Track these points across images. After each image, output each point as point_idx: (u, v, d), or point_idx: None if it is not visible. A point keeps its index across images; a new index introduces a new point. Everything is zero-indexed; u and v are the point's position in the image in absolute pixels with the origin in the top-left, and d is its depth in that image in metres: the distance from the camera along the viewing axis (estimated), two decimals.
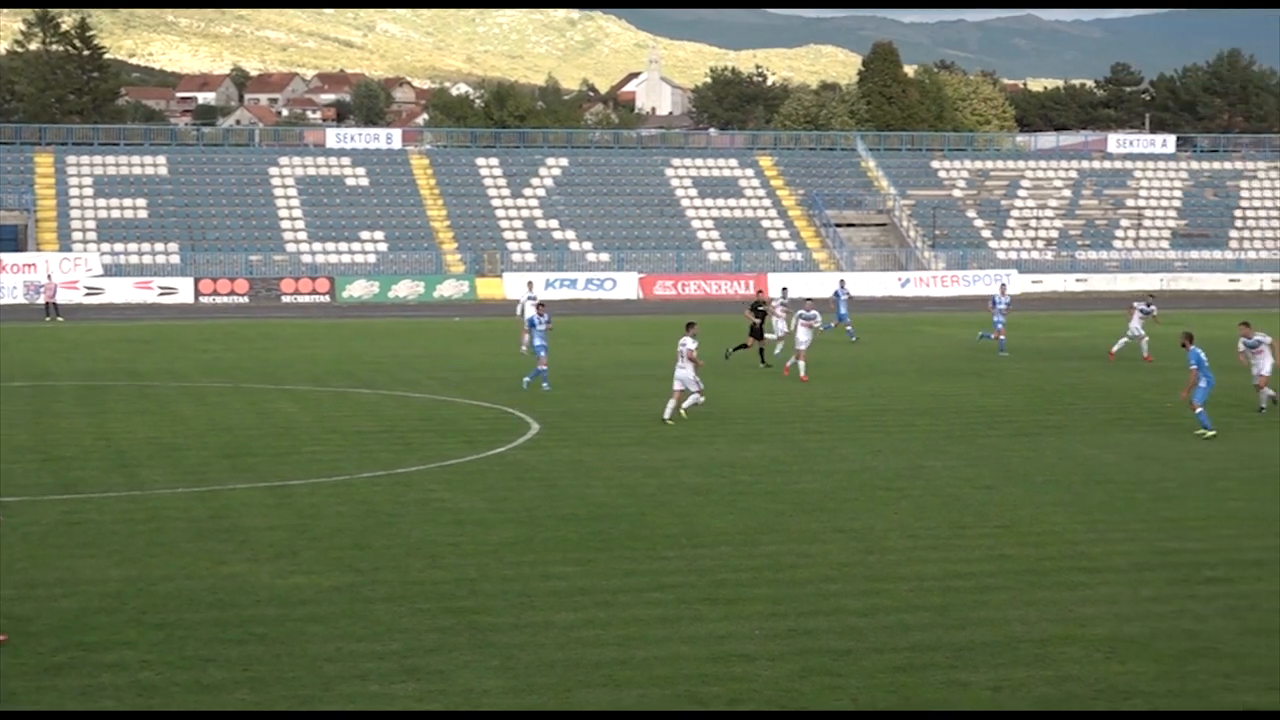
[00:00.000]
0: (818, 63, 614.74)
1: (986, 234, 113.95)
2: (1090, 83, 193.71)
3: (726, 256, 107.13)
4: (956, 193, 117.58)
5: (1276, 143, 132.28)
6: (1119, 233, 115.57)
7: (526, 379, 48.65)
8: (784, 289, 66.17)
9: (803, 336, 52.59)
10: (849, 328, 66.73)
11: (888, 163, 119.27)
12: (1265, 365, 42.49)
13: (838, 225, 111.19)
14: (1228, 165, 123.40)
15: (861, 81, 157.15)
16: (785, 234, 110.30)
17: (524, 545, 26.80)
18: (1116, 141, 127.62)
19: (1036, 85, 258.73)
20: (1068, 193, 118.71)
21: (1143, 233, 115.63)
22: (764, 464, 35.37)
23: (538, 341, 49.40)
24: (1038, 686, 19.59)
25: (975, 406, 45.78)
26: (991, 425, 41.87)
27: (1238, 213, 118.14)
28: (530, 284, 65.28)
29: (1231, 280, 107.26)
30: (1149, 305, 58.63)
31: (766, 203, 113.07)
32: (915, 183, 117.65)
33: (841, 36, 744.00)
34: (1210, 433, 39.01)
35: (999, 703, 18.94)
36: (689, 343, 41.56)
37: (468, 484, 32.62)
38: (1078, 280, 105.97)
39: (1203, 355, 39.47)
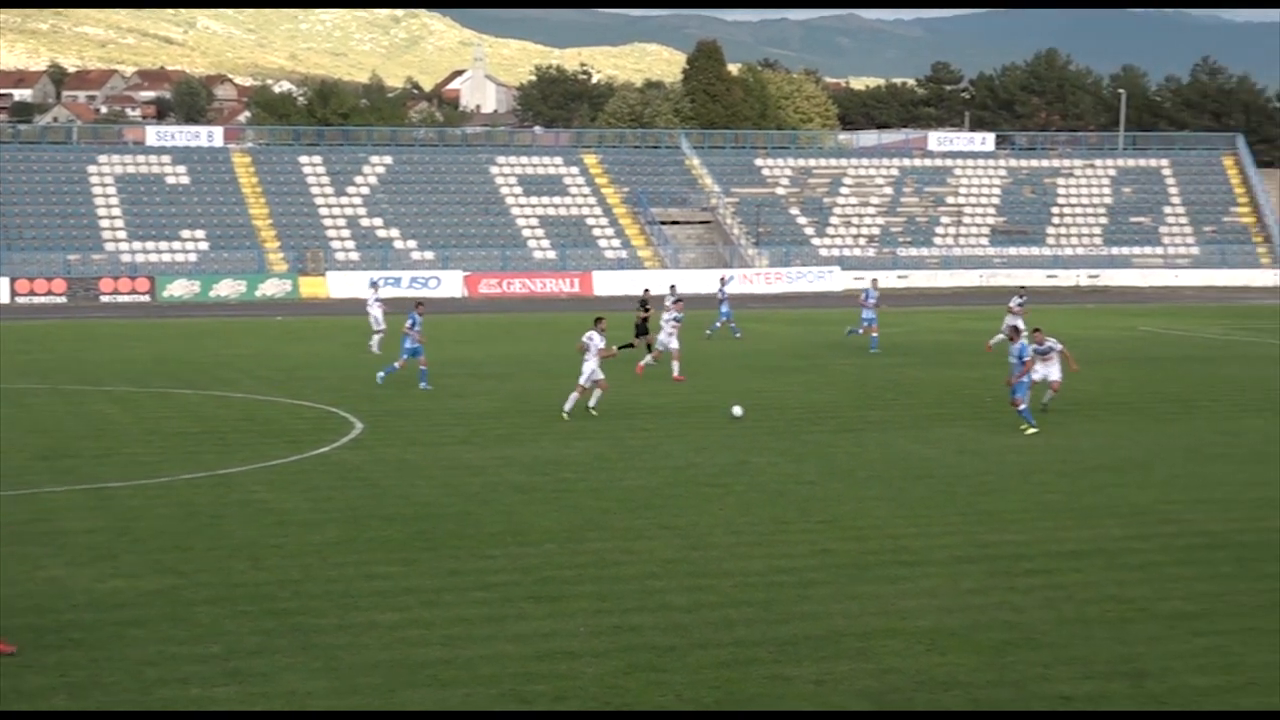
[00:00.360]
0: (642, 61, 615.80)
1: (810, 231, 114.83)
2: (911, 81, 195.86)
3: (552, 255, 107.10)
4: (780, 190, 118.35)
5: (1092, 141, 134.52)
6: (939, 230, 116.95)
7: (383, 372, 48.88)
8: (672, 286, 66.19)
9: (666, 337, 52.65)
10: (732, 324, 67.02)
11: (712, 160, 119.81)
12: (1055, 372, 42.39)
13: (662, 223, 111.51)
14: (1045, 163, 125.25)
15: (686, 80, 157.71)
16: (610, 232, 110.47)
17: (348, 546, 26.63)
18: (937, 139, 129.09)
19: (859, 84, 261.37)
20: (889, 190, 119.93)
21: (963, 229, 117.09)
22: (589, 461, 35.40)
23: (410, 344, 49.00)
24: (860, 679, 19.78)
25: (799, 402, 46.12)
26: (815, 421, 42.20)
27: (1055, 210, 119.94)
28: (376, 284, 64.62)
29: (1049, 276, 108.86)
30: (1022, 299, 58.91)
31: (592, 201, 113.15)
32: (739, 180, 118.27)
33: (666, 35, 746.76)
34: (1033, 429, 39.51)
35: (822, 696, 19.09)
36: (596, 338, 42.04)
37: (291, 484, 32.35)
38: (899, 277, 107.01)
39: (1026, 351, 40.11)
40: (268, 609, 22.58)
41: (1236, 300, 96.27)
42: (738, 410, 41.20)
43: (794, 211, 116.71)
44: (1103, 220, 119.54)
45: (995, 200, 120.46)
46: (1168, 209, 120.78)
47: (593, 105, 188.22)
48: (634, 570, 25.19)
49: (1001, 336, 57.64)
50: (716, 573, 25.12)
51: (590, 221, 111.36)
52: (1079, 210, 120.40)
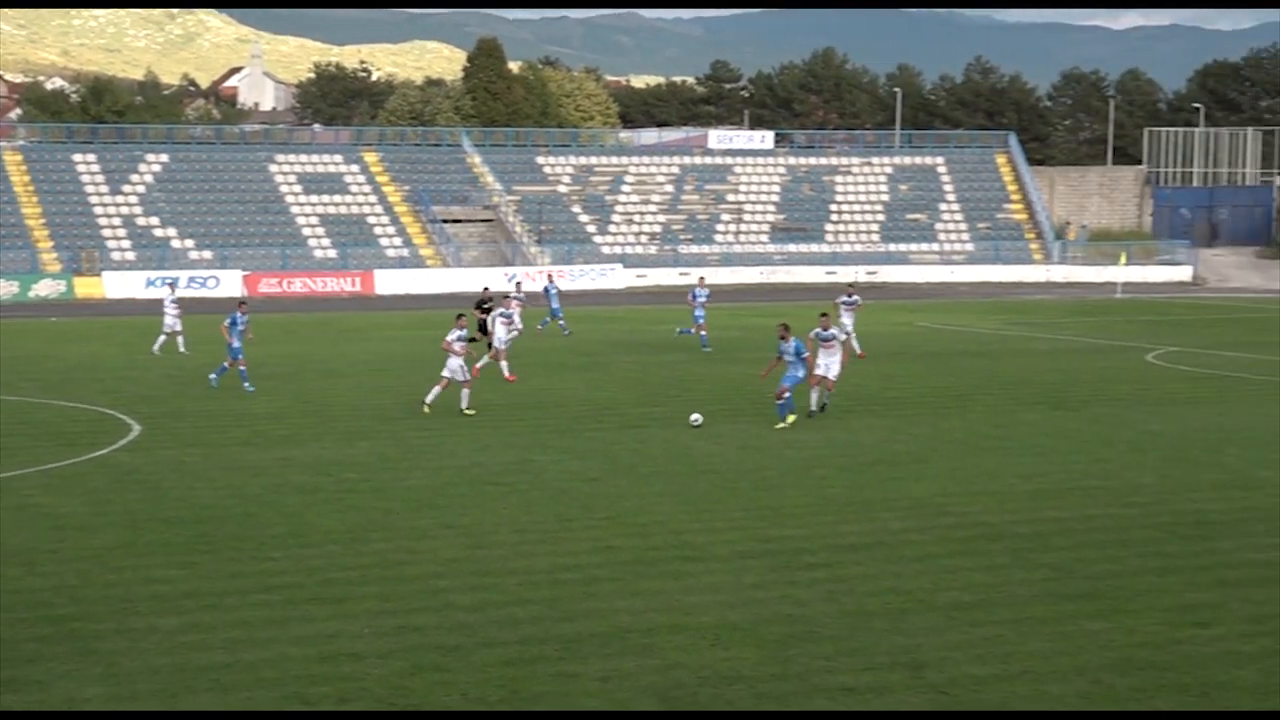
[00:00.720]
0: (423, 59, 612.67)
1: (592, 229, 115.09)
2: (691, 80, 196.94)
3: (332, 254, 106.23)
4: (562, 188, 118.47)
5: (869, 139, 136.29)
6: (720, 227, 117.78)
7: (214, 374, 48.04)
8: (518, 284, 65.88)
9: (501, 334, 52.30)
10: (561, 322, 66.87)
11: (493, 159, 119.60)
12: (835, 367, 41.62)
13: (444, 221, 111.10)
14: (823, 161, 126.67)
15: (466, 78, 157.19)
16: (392, 230, 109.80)
17: (126, 550, 26.20)
18: (717, 138, 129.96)
19: (639, 82, 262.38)
20: (670, 188, 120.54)
21: (743, 227, 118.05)
22: (372, 461, 35.18)
23: (237, 343, 48.20)
24: (645, 676, 19.85)
25: (581, 400, 46.20)
26: (597, 418, 42.30)
27: (833, 207, 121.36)
28: (172, 284, 63.46)
29: (828, 273, 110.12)
30: (851, 296, 58.65)
31: (373, 199, 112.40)
32: (521, 178, 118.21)
33: (446, 32, 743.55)
34: (784, 424, 39.63)
35: (608, 693, 19.14)
36: (455, 333, 42.60)
37: (67, 488, 31.74)
38: (681, 274, 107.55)
39: (803, 348, 40.35)
40: (43, 615, 22.14)
41: (1010, 295, 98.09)
42: (696, 418, 40.49)
43: (576, 209, 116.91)
44: (880, 217, 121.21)
45: (775, 198, 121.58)
46: (943, 206, 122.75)
47: (373, 103, 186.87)
48: (418, 570, 25.07)
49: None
50: (501, 571, 25.08)
51: (371, 220, 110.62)
52: (857, 207, 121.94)
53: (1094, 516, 29.58)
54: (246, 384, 47.53)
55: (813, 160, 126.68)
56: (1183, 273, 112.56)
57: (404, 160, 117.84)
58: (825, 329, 41.50)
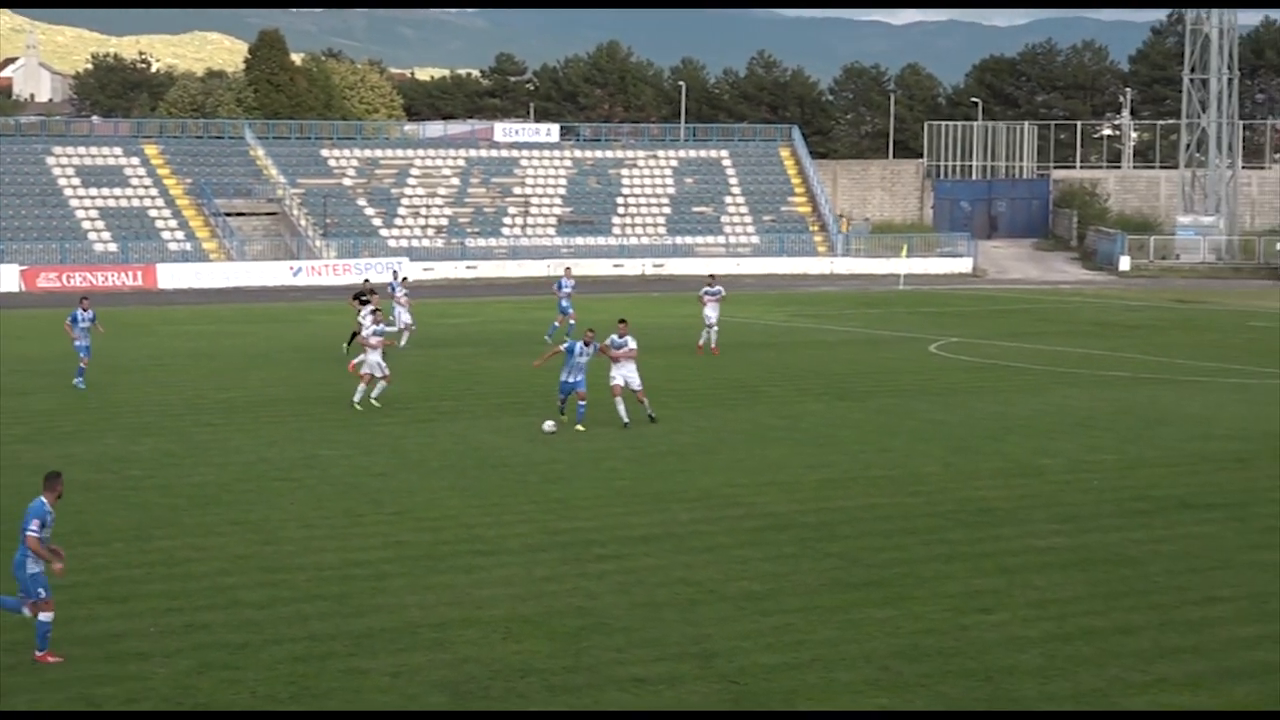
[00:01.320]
0: (203, 50, 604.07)
1: (378, 222, 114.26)
2: (476, 72, 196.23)
3: (113, 247, 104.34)
4: (347, 181, 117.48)
5: (655, 132, 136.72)
6: (507, 220, 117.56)
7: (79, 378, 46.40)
8: (404, 278, 64.61)
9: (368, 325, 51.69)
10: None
11: (277, 151, 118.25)
12: (635, 376, 39.40)
13: (227, 214, 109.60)
14: (609, 154, 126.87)
15: (248, 69, 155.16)
16: (174, 224, 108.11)
17: None
18: (503, 130, 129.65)
19: (423, 74, 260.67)
20: (456, 181, 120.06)
21: (530, 220, 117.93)
22: (156, 458, 34.70)
23: (82, 341, 46.76)
24: (437, 670, 19.81)
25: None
26: (385, 413, 42.05)
27: (619, 200, 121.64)
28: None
29: (615, 265, 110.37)
30: (714, 287, 57.26)
31: (154, 192, 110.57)
32: (305, 171, 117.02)
33: (227, 23, 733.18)
34: (549, 429, 38.52)
35: (399, 688, 19.05)
36: (371, 328, 42.87)
37: None
38: (468, 267, 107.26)
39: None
40: None
41: (795, 288, 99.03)
42: (549, 425, 39.10)
43: (361, 202, 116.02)
44: (666, 210, 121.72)
45: (561, 191, 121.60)
46: (728, 199, 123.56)
47: (153, 95, 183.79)
48: (205, 567, 24.79)
49: (708, 332, 56.90)
50: (289, 567, 24.88)
51: (153, 213, 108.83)
52: (643, 200, 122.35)
53: (879, 505, 30.01)
54: (78, 380, 46.12)
55: (599, 153, 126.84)
56: (963, 264, 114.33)
57: (185, 153, 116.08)
58: (621, 335, 39.57)
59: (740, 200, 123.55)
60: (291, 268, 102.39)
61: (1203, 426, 40.05)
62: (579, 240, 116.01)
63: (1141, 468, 34.27)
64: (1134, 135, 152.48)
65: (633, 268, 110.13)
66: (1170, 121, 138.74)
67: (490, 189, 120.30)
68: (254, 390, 46.81)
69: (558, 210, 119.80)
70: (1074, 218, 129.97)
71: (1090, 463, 34.80)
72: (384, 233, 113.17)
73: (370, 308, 51.59)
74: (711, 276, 60.46)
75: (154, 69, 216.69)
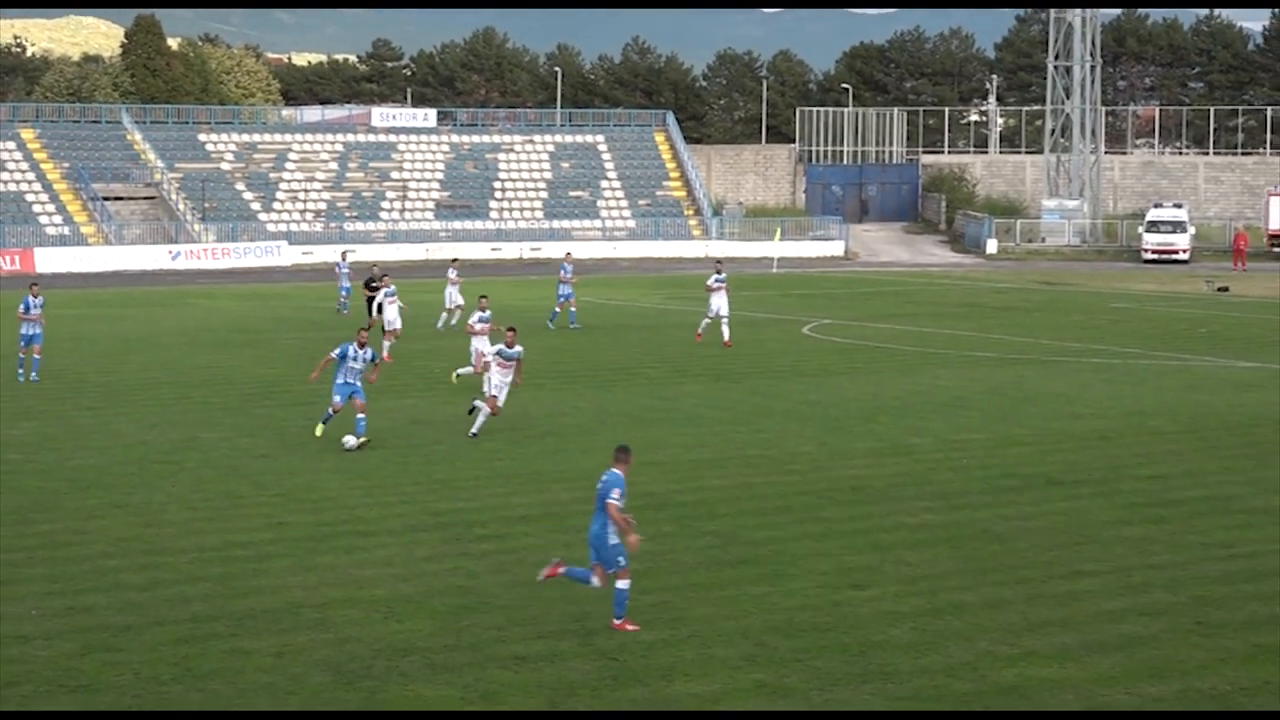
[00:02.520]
0: (79, 34, 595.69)
1: (256, 206, 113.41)
2: (353, 58, 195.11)
3: None
4: (225, 166, 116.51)
5: (531, 117, 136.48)
6: (385, 204, 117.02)
7: (33, 373, 44.17)
8: (455, 259, 64.22)
9: (390, 316, 51.28)
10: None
11: (154, 135, 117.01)
12: (505, 391, 35.77)
13: (105, 199, 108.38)
14: (486, 139, 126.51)
15: (125, 54, 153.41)
16: (51, 208, 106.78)
17: None
18: (380, 115, 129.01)
19: (300, 59, 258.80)
20: (334, 165, 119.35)
21: (408, 204, 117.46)
22: (36, 442, 34.30)
23: (33, 330, 44.09)
24: (320, 650, 19.74)
25: (250, 377, 45.58)
26: (267, 395, 41.81)
27: (497, 184, 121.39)
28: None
29: (494, 249, 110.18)
30: (720, 275, 54.74)
31: (30, 176, 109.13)
32: (183, 156, 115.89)
33: (103, 8, 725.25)
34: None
35: (283, 668, 18.96)
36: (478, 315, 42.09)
37: None
38: (347, 251, 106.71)
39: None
40: None
41: (671, 270, 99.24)
42: (349, 441, 37.48)
43: (240, 187, 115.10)
44: (543, 194, 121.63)
45: (439, 175, 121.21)
46: (604, 183, 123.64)
47: (28, 79, 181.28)
48: (86, 550, 24.55)
49: (708, 321, 54.64)
50: (171, 549, 24.70)
51: (30, 198, 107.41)
52: (520, 185, 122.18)
53: (755, 484, 30.16)
54: (22, 373, 44.10)
55: (476, 138, 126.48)
56: (835, 248, 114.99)
57: (62, 137, 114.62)
58: (510, 345, 35.55)
59: (616, 185, 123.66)
60: (170, 252, 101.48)
61: (1068, 405, 40.52)
62: (457, 224, 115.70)
63: (1009, 446, 34.64)
64: (1000, 121, 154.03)
65: (510, 251, 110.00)
66: (1035, 108, 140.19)
67: (368, 174, 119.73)
68: (134, 374, 46.37)
69: (435, 195, 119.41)
70: (943, 202, 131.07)
71: (960, 441, 35.15)
72: (262, 217, 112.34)
73: (387, 291, 51.45)
74: (719, 264, 58.24)
75: (29, 53, 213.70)
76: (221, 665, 19.12)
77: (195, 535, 25.63)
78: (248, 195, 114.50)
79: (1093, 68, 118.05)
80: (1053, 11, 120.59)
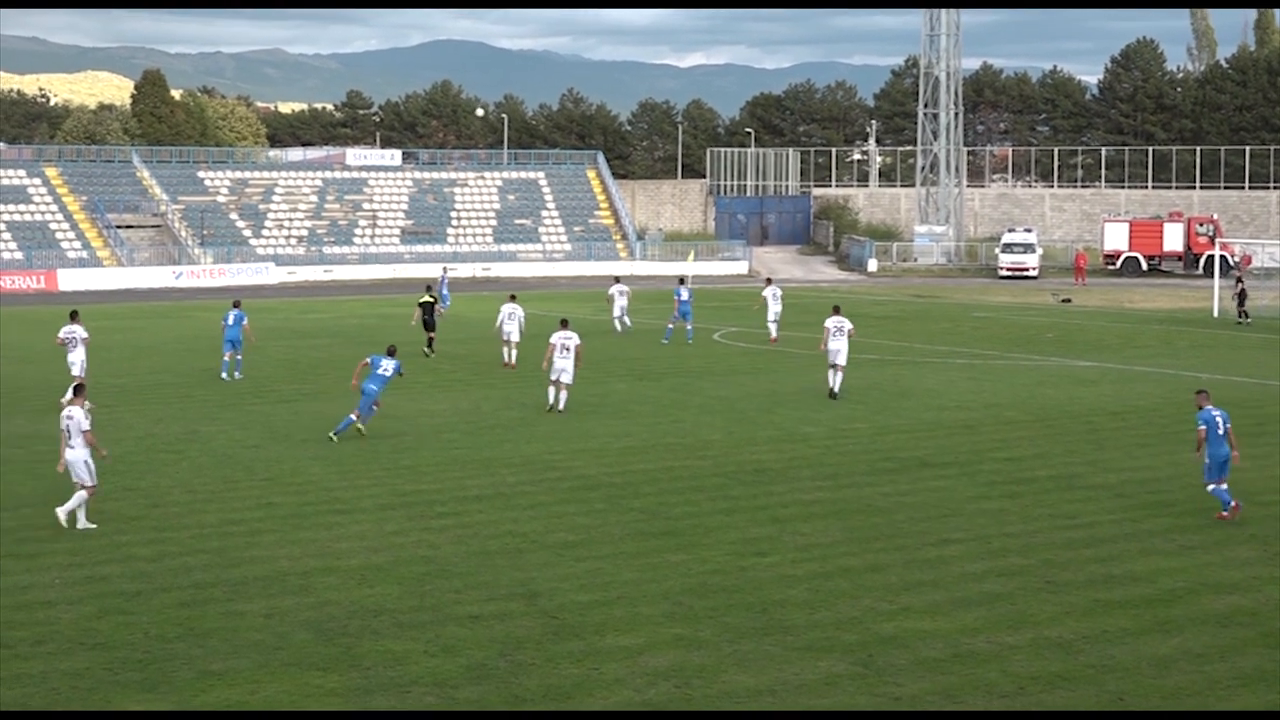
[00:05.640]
0: (95, 87, 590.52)
1: (248, 233, 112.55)
2: (330, 106, 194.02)
3: (19, 255, 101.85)
4: (221, 199, 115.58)
5: (482, 157, 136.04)
6: (358, 231, 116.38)
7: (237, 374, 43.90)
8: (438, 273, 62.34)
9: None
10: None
11: (160, 173, 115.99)
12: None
13: (118, 227, 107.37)
14: (444, 175, 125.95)
15: (134, 103, 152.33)
16: (72, 235, 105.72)
17: None
18: (353, 155, 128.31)
19: (285, 108, 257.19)
20: (315, 198, 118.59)
21: (378, 231, 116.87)
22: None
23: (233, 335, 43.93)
24: (303, 612, 19.63)
25: (243, 379, 45.17)
26: (258, 395, 41.52)
27: (454, 214, 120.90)
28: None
29: (450, 269, 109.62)
30: (770, 284, 55.75)
31: (54, 208, 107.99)
32: (185, 190, 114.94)
33: (115, 64, 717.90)
34: (332, 438, 39.06)
35: (271, 627, 18.82)
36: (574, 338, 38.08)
37: None
38: (325, 271, 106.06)
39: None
40: None
41: (601, 287, 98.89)
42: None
43: (234, 216, 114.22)
44: (493, 222, 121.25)
45: (404, 206, 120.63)
46: (545, 213, 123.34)
47: (52, 125, 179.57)
48: (102, 528, 24.32)
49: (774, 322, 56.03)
50: (175, 526, 24.51)
51: (54, 226, 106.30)
52: (473, 214, 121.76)
53: (673, 468, 30.16)
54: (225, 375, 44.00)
55: (435, 174, 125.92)
56: (740, 267, 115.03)
57: (81, 174, 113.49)
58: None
59: (555, 214, 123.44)
60: (174, 272, 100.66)
61: (937, 399, 40.69)
62: (419, 248, 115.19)
63: (889, 434, 34.76)
64: (879, 159, 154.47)
65: (465, 270, 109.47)
66: (908, 148, 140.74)
67: (344, 205, 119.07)
68: (143, 376, 45.96)
69: (401, 223, 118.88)
70: (831, 228, 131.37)
71: (847, 430, 35.24)
72: (253, 242, 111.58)
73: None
74: (769, 279, 61.23)
75: (52, 103, 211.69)
76: (219, 625, 18.97)
77: (196, 514, 25.43)
78: (240, 224, 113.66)
79: (956, 114, 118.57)
80: (922, 67, 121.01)
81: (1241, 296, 67.68)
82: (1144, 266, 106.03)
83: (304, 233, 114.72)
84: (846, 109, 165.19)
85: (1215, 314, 68.33)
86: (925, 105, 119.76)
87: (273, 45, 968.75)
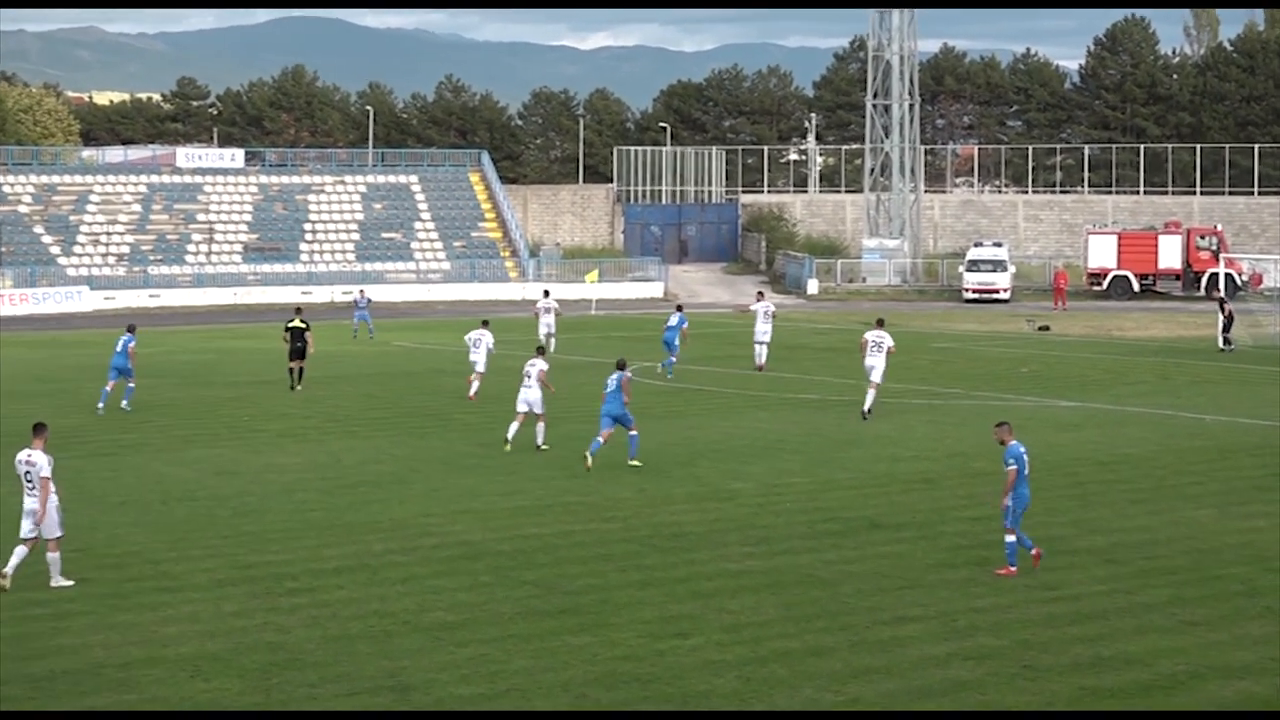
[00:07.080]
0: None
1: (56, 250, 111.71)
2: (157, 96, 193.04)
3: None
4: (22, 208, 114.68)
5: (343, 157, 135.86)
6: (191, 247, 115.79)
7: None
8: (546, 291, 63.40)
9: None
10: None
11: None
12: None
13: None
14: (296, 179, 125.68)
15: None
16: None
17: None
18: (185, 156, 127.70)
19: (102, 98, 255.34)
20: (138, 208, 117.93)
21: (215, 247, 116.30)
22: None
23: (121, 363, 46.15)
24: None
25: (50, 428, 44.57)
26: (64, 446, 40.87)
27: (307, 226, 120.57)
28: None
29: (304, 293, 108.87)
30: (763, 299, 63.30)
31: None
32: None
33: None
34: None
35: None
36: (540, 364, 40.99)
37: None
38: (151, 295, 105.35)
39: None
40: None
41: (487, 314, 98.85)
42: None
43: (38, 230, 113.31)
44: (355, 236, 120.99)
45: (247, 217, 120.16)
46: (418, 225, 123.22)
47: None
48: None
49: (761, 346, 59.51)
50: None
51: None
52: (331, 226, 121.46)
53: (574, 532, 30.10)
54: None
55: (285, 179, 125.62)
56: (654, 289, 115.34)
57: None
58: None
59: (430, 226, 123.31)
60: (762, 302, 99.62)
61: (891, 448, 40.88)
62: (266, 268, 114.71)
63: (832, 490, 34.87)
64: (819, 160, 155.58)
65: (322, 295, 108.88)
66: (855, 146, 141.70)
67: (173, 215, 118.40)
68: None
69: (244, 237, 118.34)
70: (762, 242, 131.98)
71: (781, 486, 35.33)
72: (62, 261, 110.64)
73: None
74: (760, 292, 67.86)
75: None
76: None
77: None
78: (46, 239, 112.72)
79: (911, 106, 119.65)
80: (871, 50, 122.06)
81: (1229, 320, 68.91)
82: (1135, 287, 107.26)
83: (125, 250, 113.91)
84: (781, 100, 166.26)
85: (1220, 344, 69.20)
86: (875, 96, 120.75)
87: (86, 23, 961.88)
